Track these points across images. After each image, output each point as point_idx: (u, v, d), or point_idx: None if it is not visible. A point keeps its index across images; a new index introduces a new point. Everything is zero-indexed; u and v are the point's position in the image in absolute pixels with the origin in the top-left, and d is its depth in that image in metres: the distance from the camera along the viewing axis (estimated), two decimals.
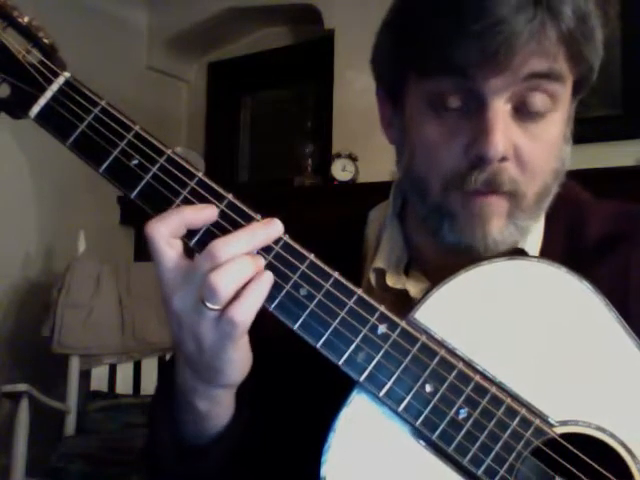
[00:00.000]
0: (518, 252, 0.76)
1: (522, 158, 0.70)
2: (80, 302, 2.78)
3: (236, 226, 0.65)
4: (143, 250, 3.38)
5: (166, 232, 0.62)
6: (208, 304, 0.61)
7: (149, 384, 2.82)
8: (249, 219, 0.65)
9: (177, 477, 0.73)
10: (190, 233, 0.64)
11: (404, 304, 0.73)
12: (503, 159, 0.69)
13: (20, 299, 3.01)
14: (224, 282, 0.60)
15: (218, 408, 0.71)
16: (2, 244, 2.92)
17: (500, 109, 0.69)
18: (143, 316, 2.81)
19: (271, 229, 0.64)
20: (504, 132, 0.68)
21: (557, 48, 0.68)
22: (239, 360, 0.66)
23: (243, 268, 0.62)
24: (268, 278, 0.63)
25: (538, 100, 0.70)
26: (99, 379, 2.85)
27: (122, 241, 3.44)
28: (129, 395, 2.83)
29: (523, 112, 0.70)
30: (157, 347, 2.83)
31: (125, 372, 2.88)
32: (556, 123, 0.72)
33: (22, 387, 2.48)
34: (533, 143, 0.71)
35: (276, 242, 0.65)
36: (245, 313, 0.62)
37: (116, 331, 2.82)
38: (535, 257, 0.74)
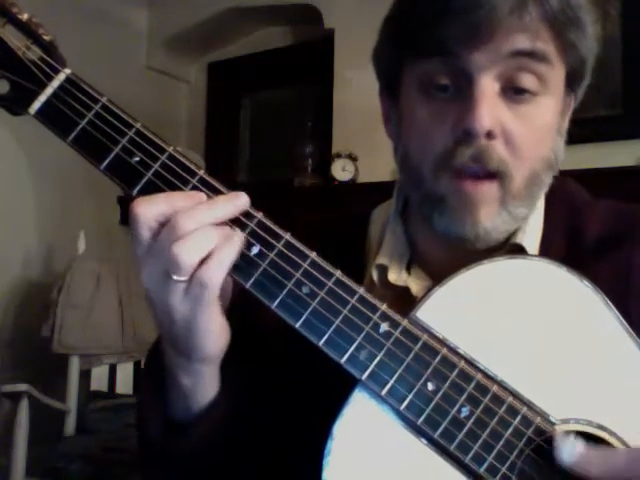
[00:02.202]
0: (518, 250, 0.76)
1: (510, 138, 0.71)
2: (80, 302, 2.78)
3: (234, 222, 0.65)
4: None
5: (152, 214, 0.63)
6: (174, 276, 0.61)
7: None
8: (250, 216, 0.66)
9: (166, 454, 0.73)
10: None
11: (405, 301, 0.74)
12: (490, 135, 0.70)
13: (20, 299, 3.01)
14: (185, 253, 0.61)
15: (201, 384, 0.70)
16: (2, 244, 2.92)
17: (487, 86, 0.70)
18: (143, 316, 2.81)
19: (236, 200, 0.65)
20: (490, 107, 0.69)
21: (539, 25, 0.69)
22: (212, 331, 0.66)
23: (206, 238, 0.62)
24: (237, 238, 0.63)
25: (525, 80, 0.71)
26: (99, 379, 2.85)
27: (122, 241, 3.42)
28: (129, 395, 2.83)
29: (512, 94, 0.71)
30: None
31: (125, 372, 2.88)
32: (547, 108, 0.73)
33: (22, 387, 2.48)
34: (522, 124, 0.71)
35: (279, 240, 0.65)
36: (213, 274, 0.62)
37: (116, 331, 2.82)
38: (536, 256, 0.74)
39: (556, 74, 0.73)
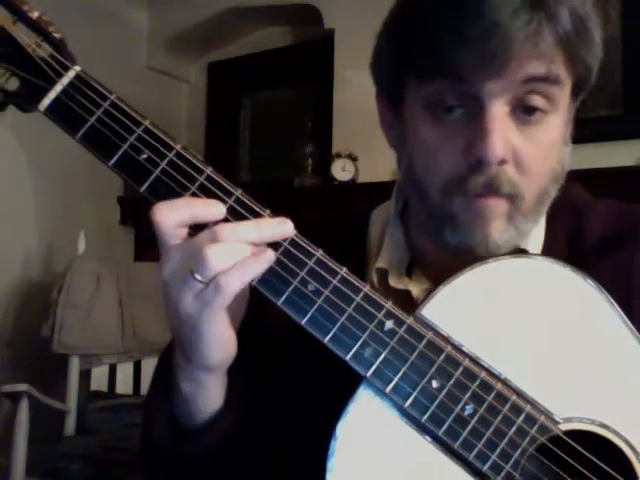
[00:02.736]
0: (521, 252, 0.76)
1: (521, 161, 0.70)
2: (80, 302, 2.78)
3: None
4: (143, 250, 3.38)
5: (173, 221, 0.63)
6: (196, 275, 0.61)
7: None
8: (257, 215, 0.66)
9: (168, 456, 0.73)
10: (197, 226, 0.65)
11: (406, 304, 0.73)
12: (502, 162, 0.69)
13: (20, 299, 3.01)
14: (215, 257, 0.61)
15: (203, 393, 0.70)
16: (2, 244, 2.92)
17: (499, 112, 0.69)
18: (143, 316, 2.81)
19: (282, 227, 0.65)
20: (502, 135, 0.68)
21: (554, 51, 0.68)
22: (216, 339, 0.65)
23: (241, 251, 0.62)
24: (268, 256, 0.63)
25: (536, 103, 0.70)
26: (99, 379, 2.85)
27: (122, 241, 3.43)
28: (129, 395, 2.83)
29: (521, 115, 0.70)
30: (157, 347, 2.82)
31: (125, 372, 2.88)
32: (555, 126, 0.72)
33: (22, 387, 2.48)
34: (532, 146, 0.71)
35: (285, 238, 0.65)
36: (232, 281, 0.62)
37: (116, 331, 2.82)
38: (540, 255, 0.74)
39: (565, 92, 0.72)
